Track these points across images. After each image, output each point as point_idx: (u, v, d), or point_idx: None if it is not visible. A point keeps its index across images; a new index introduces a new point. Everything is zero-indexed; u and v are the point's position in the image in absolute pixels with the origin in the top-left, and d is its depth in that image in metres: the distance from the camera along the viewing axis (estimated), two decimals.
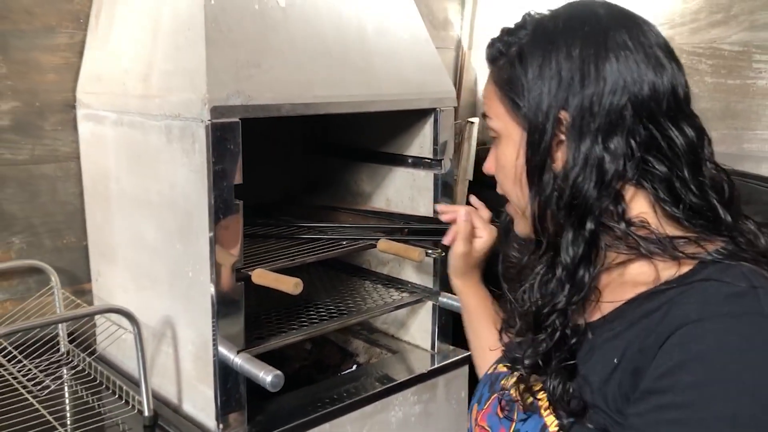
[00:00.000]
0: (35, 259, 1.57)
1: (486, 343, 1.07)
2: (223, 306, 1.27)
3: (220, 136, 1.20)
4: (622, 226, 0.74)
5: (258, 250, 1.50)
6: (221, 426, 1.31)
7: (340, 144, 1.84)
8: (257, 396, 1.38)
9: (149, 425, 1.32)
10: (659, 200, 0.75)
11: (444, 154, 1.59)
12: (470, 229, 1.16)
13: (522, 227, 0.87)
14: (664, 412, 0.65)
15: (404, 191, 1.68)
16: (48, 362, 1.50)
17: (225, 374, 1.29)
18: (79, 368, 1.51)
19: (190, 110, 1.22)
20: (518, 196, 0.84)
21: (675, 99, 0.76)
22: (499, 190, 0.90)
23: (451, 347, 1.71)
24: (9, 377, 1.42)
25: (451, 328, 1.72)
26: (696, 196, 0.75)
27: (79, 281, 1.67)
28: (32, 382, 1.36)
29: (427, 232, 1.53)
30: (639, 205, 0.77)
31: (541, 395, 0.78)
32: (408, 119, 1.61)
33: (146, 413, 1.32)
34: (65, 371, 1.53)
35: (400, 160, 1.68)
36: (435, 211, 1.60)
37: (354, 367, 1.73)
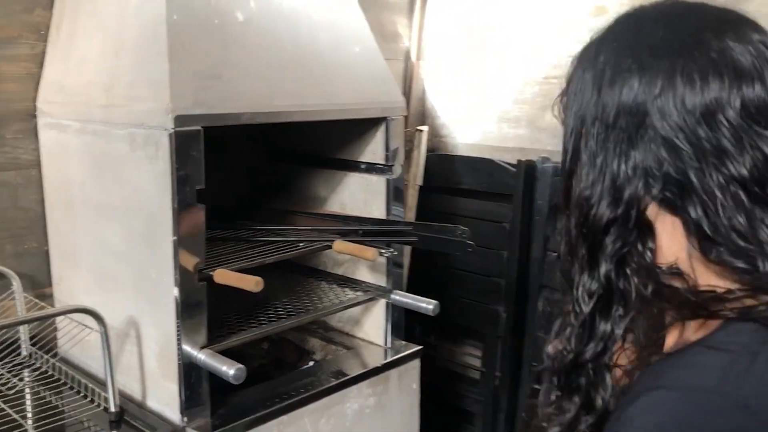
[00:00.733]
0: None
1: None
2: (186, 305, 1.34)
3: (183, 144, 1.27)
4: (649, 274, 0.63)
5: (217, 253, 1.57)
6: (186, 419, 1.37)
7: (296, 151, 1.93)
8: (218, 392, 1.46)
9: (115, 420, 1.37)
10: (696, 235, 0.62)
11: (395, 160, 1.69)
12: None
13: None
14: None
15: (358, 195, 1.78)
16: (11, 365, 1.54)
17: (189, 370, 1.36)
18: (42, 370, 1.56)
19: (154, 119, 1.29)
20: None
21: (721, 109, 0.62)
22: None
23: (404, 342, 1.81)
24: None
25: (403, 324, 1.82)
26: (741, 235, 0.60)
27: (40, 285, 1.71)
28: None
29: (380, 233, 1.62)
30: (671, 241, 0.64)
31: None
32: (361, 127, 1.70)
33: (112, 409, 1.37)
34: (27, 373, 1.57)
35: (354, 166, 1.77)
36: (387, 214, 1.70)
37: (311, 363, 1.81)
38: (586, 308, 0.66)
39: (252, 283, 1.30)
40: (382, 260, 1.74)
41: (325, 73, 1.57)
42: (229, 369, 1.30)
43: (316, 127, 1.60)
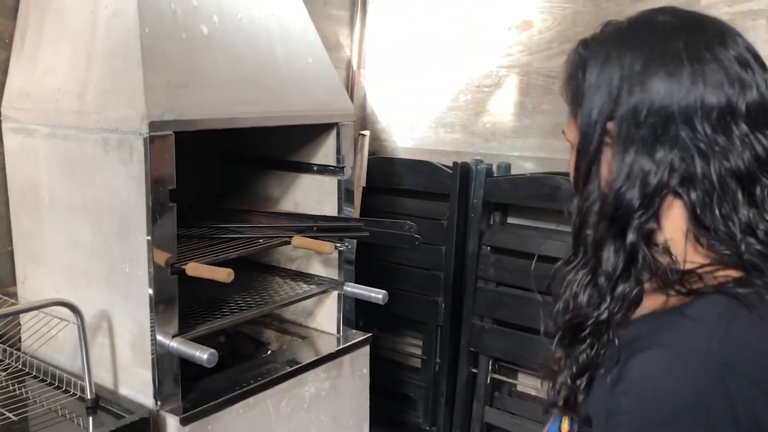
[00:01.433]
0: None
1: None
2: (159, 297, 1.44)
3: (157, 147, 1.39)
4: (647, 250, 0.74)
5: (183, 250, 1.67)
6: (159, 403, 1.48)
7: (249, 154, 2.04)
8: (185, 379, 1.57)
9: (92, 407, 1.47)
10: (694, 219, 0.73)
11: (345, 162, 1.84)
12: None
13: None
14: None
15: (311, 195, 1.91)
16: None
17: (162, 358, 1.47)
18: (10, 365, 1.62)
19: (128, 125, 1.40)
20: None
21: (731, 112, 0.72)
22: None
23: (354, 330, 1.96)
24: None
25: (353, 313, 1.96)
26: (725, 225, 0.72)
27: (4, 284, 1.77)
28: None
29: (334, 229, 1.77)
30: (672, 222, 0.74)
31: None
32: (314, 132, 1.85)
33: (89, 396, 1.46)
34: None
35: (307, 168, 1.91)
36: (339, 212, 1.85)
37: (269, 352, 1.93)
38: (613, 272, 0.74)
39: (224, 275, 1.43)
40: (334, 255, 1.88)
41: (282, 82, 1.71)
42: (202, 354, 1.42)
43: (271, 131, 1.73)
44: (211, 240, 1.78)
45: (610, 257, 0.74)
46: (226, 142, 2.07)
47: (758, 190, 0.72)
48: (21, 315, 1.65)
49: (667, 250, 0.73)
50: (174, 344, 1.46)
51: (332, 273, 1.92)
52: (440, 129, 2.56)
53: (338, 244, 1.78)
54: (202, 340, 1.55)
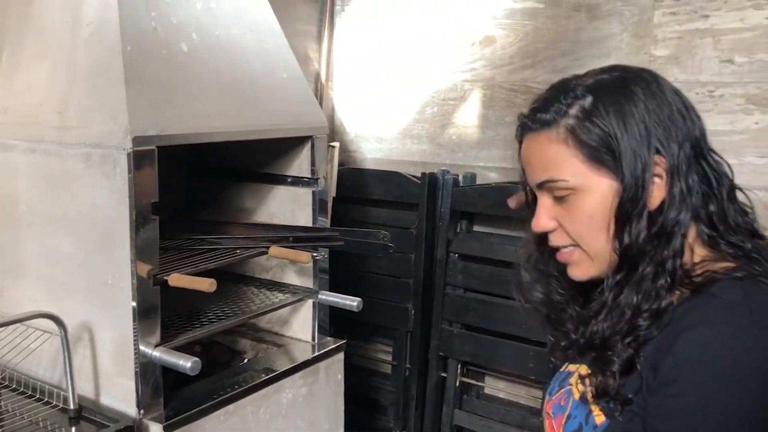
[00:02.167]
0: None
1: None
2: (142, 307, 1.48)
3: (140, 162, 1.43)
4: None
5: (162, 261, 1.70)
6: (142, 411, 1.51)
7: (226, 167, 2.09)
8: (164, 388, 1.60)
9: (74, 417, 1.49)
10: (702, 229, 0.88)
11: (319, 173, 1.90)
12: None
13: (586, 270, 0.92)
14: (671, 400, 0.78)
15: (285, 206, 1.97)
16: None
17: (145, 367, 1.50)
18: None
19: (111, 140, 1.43)
20: (597, 242, 0.88)
21: (704, 140, 0.89)
22: (558, 242, 0.93)
23: (329, 338, 2.02)
24: None
25: (328, 321, 2.02)
26: (727, 226, 0.88)
27: None
28: None
29: (310, 239, 1.82)
30: (691, 232, 0.88)
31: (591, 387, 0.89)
32: (288, 145, 1.90)
33: (72, 407, 1.49)
34: None
35: (281, 180, 1.96)
36: (314, 222, 1.90)
37: (245, 361, 1.97)
38: (662, 286, 0.85)
39: (206, 285, 1.47)
40: (309, 265, 1.93)
41: (258, 96, 1.76)
42: (185, 362, 1.46)
43: (246, 144, 1.77)
44: (188, 251, 1.81)
45: (659, 275, 0.85)
46: (201, 155, 2.11)
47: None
48: None
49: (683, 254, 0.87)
50: (157, 353, 1.50)
51: (307, 282, 1.97)
52: (407, 140, 2.63)
53: (314, 254, 1.83)
54: (179, 350, 1.58)
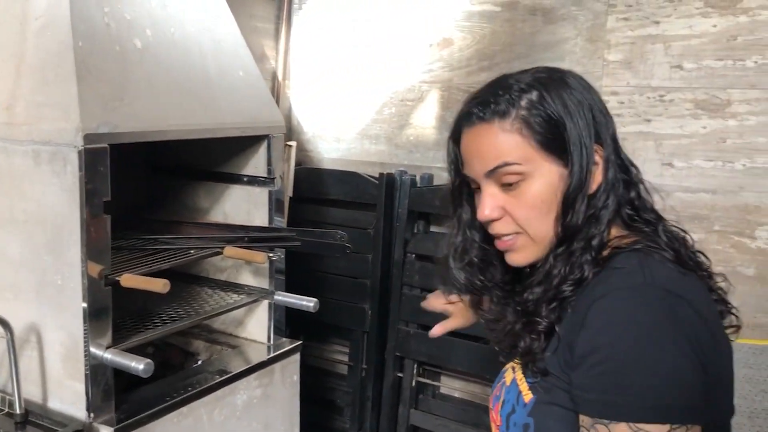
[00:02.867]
0: None
1: None
2: (93, 308, 1.45)
3: (91, 160, 1.39)
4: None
5: (114, 261, 1.67)
6: (92, 415, 1.48)
7: (179, 165, 2.05)
8: (116, 391, 1.57)
9: (21, 422, 1.45)
10: (624, 211, 0.97)
11: (276, 173, 1.88)
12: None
13: (529, 255, 0.97)
14: (595, 368, 0.83)
15: (241, 206, 1.95)
16: None
17: (96, 369, 1.47)
18: None
19: (62, 137, 1.40)
20: (543, 226, 0.94)
21: (616, 134, 0.99)
22: (502, 230, 0.97)
23: (285, 339, 2.00)
24: None
25: (284, 322, 2.00)
26: (644, 208, 0.98)
27: None
28: None
29: (266, 239, 1.81)
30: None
31: (518, 372, 0.98)
32: (244, 144, 1.88)
33: (18, 411, 1.45)
34: None
35: (236, 179, 1.94)
36: (270, 222, 1.89)
37: (198, 362, 1.95)
38: (591, 259, 0.93)
39: (160, 285, 1.44)
40: (265, 265, 1.92)
41: (214, 95, 1.74)
42: (138, 364, 1.43)
43: (201, 142, 1.75)
44: (142, 251, 1.78)
45: (588, 251, 0.92)
46: (154, 154, 2.08)
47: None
48: None
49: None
50: (108, 355, 1.47)
51: (263, 282, 1.95)
52: (365, 140, 2.63)
53: (270, 254, 1.82)
54: (131, 352, 1.55)
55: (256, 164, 1.91)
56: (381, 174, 2.44)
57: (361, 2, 2.59)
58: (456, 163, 1.03)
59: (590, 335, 0.85)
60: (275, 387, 1.92)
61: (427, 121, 2.50)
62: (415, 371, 2.45)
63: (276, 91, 2.70)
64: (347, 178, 2.53)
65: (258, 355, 1.93)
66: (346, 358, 2.67)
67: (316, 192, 2.59)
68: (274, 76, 2.71)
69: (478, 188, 0.99)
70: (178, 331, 1.80)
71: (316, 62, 2.71)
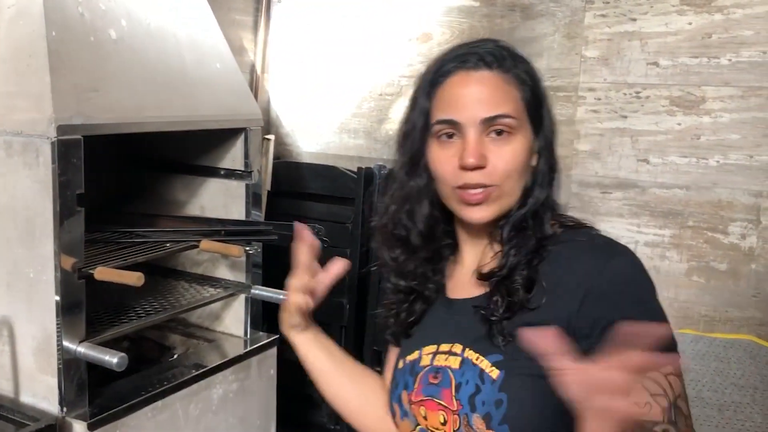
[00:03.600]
0: None
1: (356, 401, 1.14)
2: (66, 302, 1.43)
3: (65, 152, 1.38)
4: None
5: (89, 254, 1.65)
6: (65, 409, 1.46)
7: (156, 158, 2.04)
8: (90, 385, 1.55)
9: None
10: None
11: (253, 166, 1.88)
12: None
13: (494, 211, 0.97)
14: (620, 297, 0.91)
15: (218, 199, 1.93)
16: None
17: (69, 363, 1.45)
18: None
19: (34, 128, 1.38)
20: (517, 184, 0.96)
21: None
22: (483, 180, 0.95)
23: (261, 333, 2.00)
24: None
25: (261, 316, 2.00)
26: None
27: None
28: None
29: (242, 233, 1.80)
30: None
31: (469, 353, 0.96)
32: (221, 137, 1.87)
33: None
34: None
35: (213, 172, 1.93)
36: (247, 216, 1.88)
37: (174, 356, 1.93)
38: (552, 207, 1.00)
39: (134, 278, 1.43)
40: (242, 259, 1.91)
41: (190, 87, 1.72)
42: (112, 358, 1.42)
43: (177, 135, 1.74)
44: (116, 244, 1.76)
45: (548, 203, 0.99)
46: (129, 146, 2.05)
47: None
48: None
49: None
50: (81, 349, 1.45)
51: (239, 276, 1.94)
52: (344, 135, 2.63)
53: (247, 248, 1.81)
54: (106, 346, 1.54)
55: (233, 157, 1.90)
56: (359, 168, 2.44)
57: None
58: (424, 106, 0.99)
59: (609, 305, 0.89)
60: (252, 381, 1.91)
61: None
62: None
63: (255, 85, 2.68)
64: (326, 172, 2.53)
65: (234, 349, 1.92)
66: None
67: (294, 186, 2.58)
68: (253, 69, 2.69)
69: (447, 135, 0.96)
70: (153, 324, 1.79)
71: (295, 56, 2.70)
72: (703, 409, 1.75)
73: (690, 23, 2.00)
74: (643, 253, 2.09)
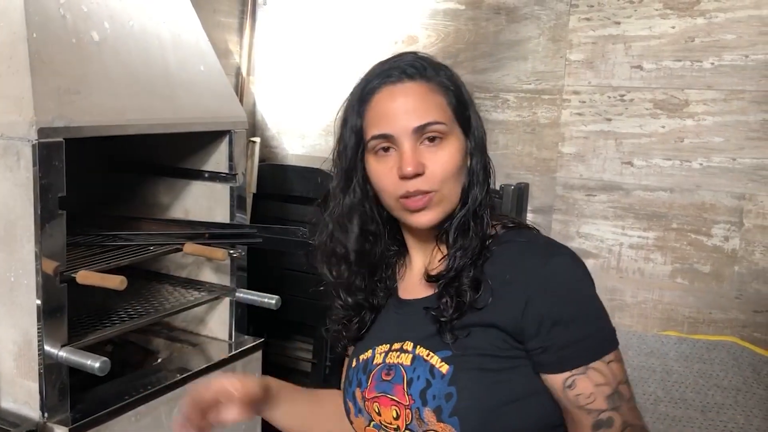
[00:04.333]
0: None
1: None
2: (48, 306, 1.42)
3: (46, 154, 1.37)
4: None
5: (72, 257, 1.64)
6: (46, 415, 1.45)
7: (140, 161, 2.02)
8: (73, 390, 1.54)
9: None
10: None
11: (237, 169, 1.87)
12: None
13: (438, 214, 0.99)
14: (568, 328, 0.94)
15: (202, 202, 1.92)
16: None
17: (50, 368, 1.44)
18: None
19: (15, 131, 1.37)
20: (455, 187, 0.99)
21: None
22: (422, 186, 0.97)
23: (246, 336, 1.99)
24: None
25: (246, 319, 1.99)
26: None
27: None
28: None
29: (227, 235, 1.79)
30: None
31: (420, 349, 0.98)
32: (205, 139, 1.86)
33: None
34: None
35: (197, 175, 1.92)
36: (231, 218, 1.87)
37: (159, 360, 1.92)
38: (485, 223, 1.01)
39: (117, 282, 1.42)
40: (226, 262, 1.90)
41: (174, 89, 1.71)
42: (94, 362, 1.41)
43: (161, 138, 1.72)
44: (99, 248, 1.75)
45: (485, 203, 1.02)
46: (113, 148, 2.04)
47: None
48: None
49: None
50: (63, 354, 1.44)
51: (224, 279, 1.93)
52: (330, 137, 2.60)
53: (231, 251, 1.80)
54: (88, 350, 1.52)
55: (217, 160, 1.89)
56: None
57: None
58: (356, 124, 1.02)
59: (553, 304, 0.93)
60: None
61: None
62: None
63: (240, 87, 2.67)
64: (311, 174, 2.52)
65: (219, 352, 1.91)
66: (309, 356, 2.66)
67: (279, 188, 2.57)
68: (238, 72, 2.68)
69: (383, 149, 0.99)
70: (137, 328, 1.78)
71: (280, 58, 2.69)
72: (686, 411, 1.76)
73: (673, 27, 2.01)
74: (627, 255, 2.11)
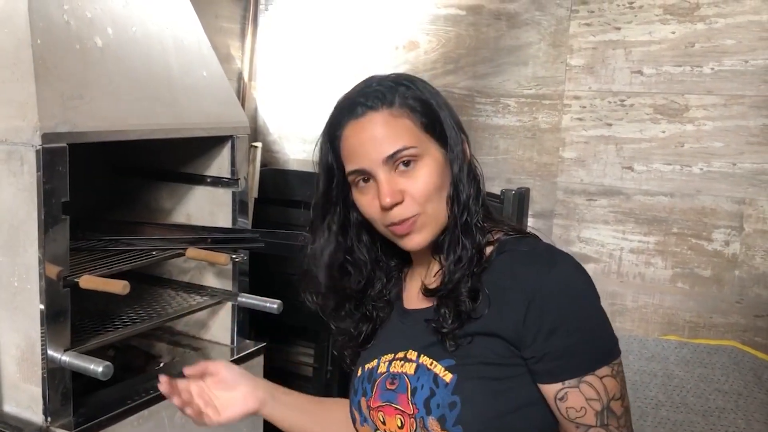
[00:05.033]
0: None
1: None
2: (51, 310, 1.42)
3: (49, 160, 1.37)
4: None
5: (75, 262, 1.64)
6: (49, 419, 1.45)
7: (142, 166, 2.03)
8: (75, 394, 1.54)
9: None
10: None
11: (240, 174, 1.87)
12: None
13: (427, 235, 1.00)
14: (567, 337, 0.94)
15: (204, 207, 1.93)
16: None
17: (53, 372, 1.44)
18: None
19: (19, 136, 1.37)
20: (439, 205, 0.99)
21: None
22: (405, 213, 0.98)
23: (248, 341, 1.99)
24: None
25: (248, 324, 1.99)
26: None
27: None
28: None
29: (229, 240, 1.79)
30: None
31: (423, 358, 0.99)
32: (208, 144, 1.87)
33: None
34: None
35: (200, 180, 1.93)
36: (233, 223, 1.87)
37: (161, 365, 1.92)
38: (481, 238, 1.01)
39: (120, 287, 1.43)
40: (228, 267, 1.90)
41: (176, 94, 1.72)
42: (97, 367, 1.41)
43: (163, 143, 1.73)
44: (102, 252, 1.75)
45: (477, 230, 1.00)
46: (116, 154, 2.05)
47: None
48: None
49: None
50: (66, 358, 1.44)
51: (226, 284, 1.94)
52: None
53: (233, 256, 1.81)
54: (91, 355, 1.53)
55: (219, 165, 1.90)
56: None
57: (327, 4, 2.59)
58: (331, 163, 1.05)
59: (551, 313, 0.92)
60: None
61: None
62: None
63: (242, 92, 2.68)
64: (313, 179, 2.50)
65: (221, 357, 1.91)
66: (311, 360, 2.66)
67: (281, 193, 2.58)
68: (240, 77, 2.70)
69: (363, 181, 1.00)
70: (139, 333, 1.78)
71: (282, 63, 2.71)
72: (688, 415, 1.76)
73: (673, 32, 2.03)
74: (628, 260, 2.11)
